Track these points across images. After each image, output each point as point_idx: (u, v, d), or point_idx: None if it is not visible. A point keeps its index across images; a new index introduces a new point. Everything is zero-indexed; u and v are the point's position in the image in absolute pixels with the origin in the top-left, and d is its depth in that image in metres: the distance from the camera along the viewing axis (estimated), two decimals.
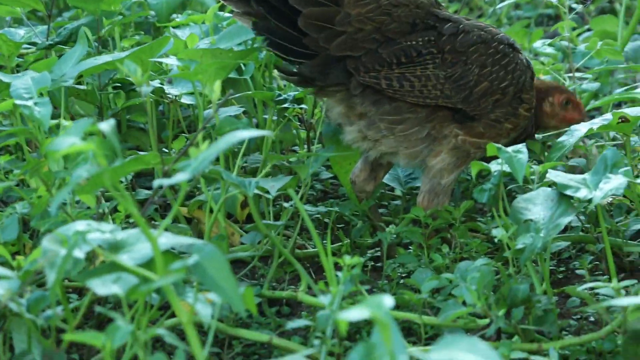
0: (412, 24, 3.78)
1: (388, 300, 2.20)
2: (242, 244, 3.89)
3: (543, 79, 4.26)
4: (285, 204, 3.90)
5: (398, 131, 3.79)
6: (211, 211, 3.59)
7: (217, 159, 3.83)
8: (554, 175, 3.34)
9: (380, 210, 4.21)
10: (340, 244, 3.97)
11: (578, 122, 3.89)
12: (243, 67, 4.24)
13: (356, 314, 2.19)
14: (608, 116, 3.67)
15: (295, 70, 3.77)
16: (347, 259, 2.97)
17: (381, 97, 3.77)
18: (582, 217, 3.85)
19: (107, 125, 2.59)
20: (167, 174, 3.22)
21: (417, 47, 3.76)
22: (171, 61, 3.81)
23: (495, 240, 3.22)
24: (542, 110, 4.01)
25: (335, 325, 3.01)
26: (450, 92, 3.76)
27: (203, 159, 2.59)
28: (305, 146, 4.40)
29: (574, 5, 5.11)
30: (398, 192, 4.41)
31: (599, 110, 4.93)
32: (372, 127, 3.80)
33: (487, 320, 3.13)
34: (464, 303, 3.15)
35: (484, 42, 3.81)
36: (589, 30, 5.09)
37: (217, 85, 3.09)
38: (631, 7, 5.91)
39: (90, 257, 3.25)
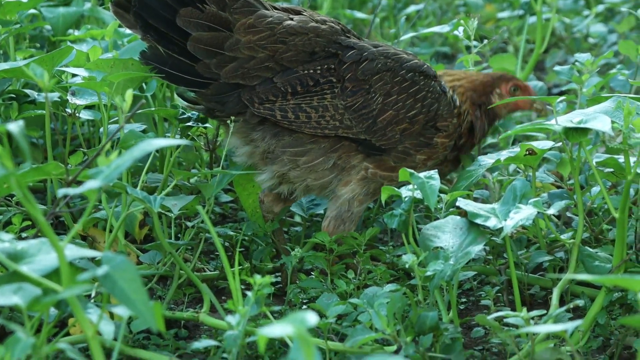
0: (311, 53, 3.68)
1: (311, 318, 2.13)
2: (139, 263, 3.75)
3: (487, 72, 4.22)
4: (189, 223, 3.78)
5: (302, 163, 3.70)
6: (110, 229, 3.45)
7: (118, 177, 3.69)
8: (464, 204, 3.33)
9: None
10: (240, 267, 3.87)
11: (531, 105, 3.94)
12: (144, 85, 4.11)
13: (279, 330, 2.11)
14: (516, 149, 3.69)
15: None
16: (258, 279, 2.88)
17: (281, 129, 3.68)
18: (486, 248, 3.85)
19: (15, 127, 2.45)
20: (70, 185, 3.08)
21: (314, 75, 3.66)
22: (78, 71, 3.65)
23: (406, 266, 3.18)
24: (492, 103, 3.99)
25: (240, 347, 2.92)
26: (351, 122, 3.67)
27: (116, 166, 2.48)
28: (207, 168, 4.29)
29: (475, 43, 5.19)
30: (298, 219, 4.35)
31: (493, 148, 4.99)
32: (277, 161, 3.71)
33: (394, 347, 3.08)
34: (371, 329, 3.09)
35: (390, 70, 3.73)
36: (488, 67, 5.15)
37: (129, 94, 2.97)
38: (526, 50, 6.05)
39: None
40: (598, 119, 3.12)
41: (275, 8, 3.75)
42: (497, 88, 4.02)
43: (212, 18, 3.61)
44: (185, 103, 3.75)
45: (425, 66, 3.82)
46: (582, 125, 3.11)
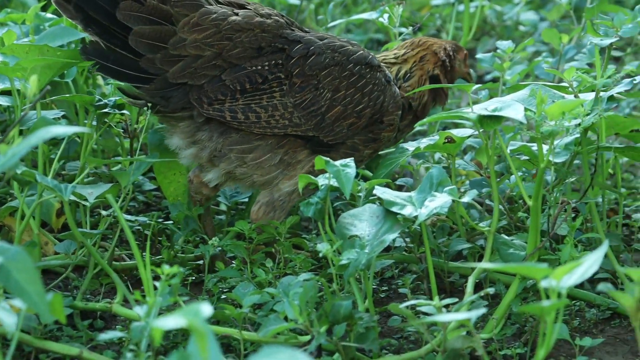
0: (258, 49, 3.62)
1: (206, 309, 2.09)
2: (56, 254, 3.68)
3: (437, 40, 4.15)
4: (104, 212, 3.72)
5: (250, 160, 3.64)
6: (23, 217, 3.39)
7: (35, 165, 3.63)
8: (381, 192, 3.30)
9: None
10: (160, 256, 3.83)
11: (468, 76, 3.99)
12: (65, 70, 4.03)
13: (172, 322, 2.07)
14: (435, 136, 3.68)
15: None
16: (166, 269, 2.83)
17: (228, 127, 3.61)
18: (406, 239, 3.84)
19: None
20: None
21: (262, 72, 3.60)
22: None
23: (320, 255, 3.15)
24: (455, 70, 3.96)
25: (151, 338, 2.87)
26: (300, 119, 3.62)
27: (13, 154, 2.42)
28: (129, 155, 4.22)
29: (403, 29, 5.17)
30: (223, 207, 4.30)
31: (423, 135, 4.98)
32: (224, 159, 3.65)
33: (308, 337, 3.06)
34: (285, 319, 3.06)
35: (338, 65, 3.67)
36: None
37: (34, 80, 2.90)
38: (456, 37, 6.04)
39: None
40: (512, 107, 3.11)
41: (219, 2, 3.67)
42: (458, 55, 3.98)
43: (153, 11, 3.54)
44: (127, 98, 3.66)
45: (370, 57, 3.76)
46: (495, 113, 3.11)
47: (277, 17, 3.68)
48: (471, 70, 4.08)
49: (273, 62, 3.61)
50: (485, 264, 2.81)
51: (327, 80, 3.65)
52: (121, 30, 3.53)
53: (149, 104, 3.58)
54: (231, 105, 3.57)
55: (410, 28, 4.53)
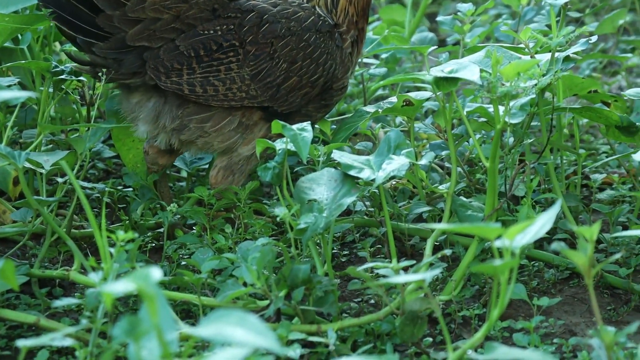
0: (212, 10, 3.58)
1: (155, 273, 2.07)
2: (14, 222, 3.64)
3: None
4: (60, 179, 3.68)
5: (209, 128, 3.61)
6: None
7: None
8: (339, 156, 3.29)
9: None
10: (120, 224, 3.80)
11: None
12: (20, 37, 3.98)
13: (121, 286, 2.05)
14: (393, 99, 3.67)
15: (88, 59, 3.55)
16: (121, 235, 2.81)
17: (185, 99, 3.58)
18: (367, 203, 3.84)
19: None
20: None
21: (216, 39, 3.56)
22: None
23: (278, 219, 3.14)
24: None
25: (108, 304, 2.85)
26: (256, 91, 3.60)
27: None
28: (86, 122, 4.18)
29: None
30: (184, 174, 4.28)
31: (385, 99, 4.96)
32: (185, 131, 3.61)
33: (267, 302, 3.05)
34: (244, 284, 3.05)
35: (294, 35, 3.63)
36: (378, 19, 5.12)
37: None
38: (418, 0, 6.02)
39: None
40: (467, 68, 3.10)
41: None
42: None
43: None
44: (75, 64, 3.61)
45: (321, 22, 3.69)
46: (451, 75, 3.09)
47: None
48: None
49: (225, 26, 3.57)
50: (440, 225, 2.81)
51: (285, 51, 3.62)
52: None
53: (101, 69, 3.53)
54: (189, 79, 3.54)
55: None
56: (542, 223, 2.37)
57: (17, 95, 2.41)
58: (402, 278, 2.65)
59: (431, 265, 3.10)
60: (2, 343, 3.11)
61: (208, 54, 3.56)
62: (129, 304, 3.30)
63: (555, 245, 2.39)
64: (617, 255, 2.45)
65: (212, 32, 3.57)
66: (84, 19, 3.50)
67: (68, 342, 2.50)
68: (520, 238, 2.35)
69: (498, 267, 2.30)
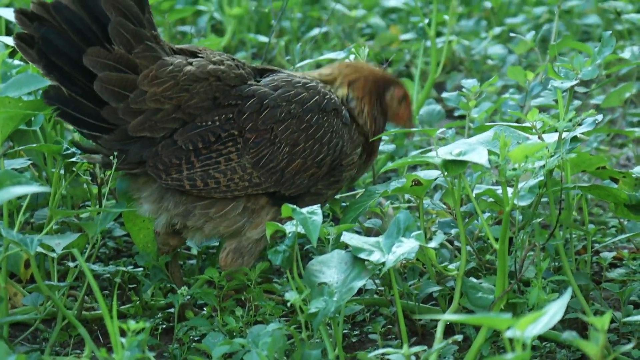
0: (213, 99, 3.59)
1: None
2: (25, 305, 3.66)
3: (381, 69, 4.07)
4: (71, 264, 3.69)
5: (214, 213, 3.62)
6: None
7: (0, 214, 3.61)
8: (348, 238, 3.31)
9: None
10: (130, 305, 3.81)
11: (405, 123, 3.84)
12: (32, 118, 4.02)
13: None
14: (403, 179, 3.69)
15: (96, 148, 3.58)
16: (132, 324, 2.81)
17: None
18: (377, 280, 3.84)
19: None
20: None
21: (214, 130, 3.56)
22: None
23: (288, 304, 3.15)
24: (386, 105, 3.84)
25: None
26: (259, 178, 3.60)
27: None
28: (97, 202, 4.20)
29: None
30: (194, 251, 4.29)
31: (395, 172, 4.99)
32: (190, 217, 3.63)
33: None
34: None
35: (295, 118, 3.62)
36: None
37: None
38: (426, 72, 6.08)
39: None
40: (476, 151, 3.13)
41: (174, 50, 3.65)
42: (392, 87, 3.85)
43: (120, 59, 3.51)
44: (83, 154, 3.64)
45: (325, 101, 3.68)
46: (460, 158, 3.12)
47: (229, 62, 3.66)
48: (414, 118, 3.97)
49: (224, 116, 3.58)
50: (450, 316, 2.81)
51: (285, 135, 3.61)
52: (84, 78, 3.51)
53: (108, 158, 3.55)
54: (189, 174, 3.55)
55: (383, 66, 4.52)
56: (553, 313, 2.37)
57: (30, 190, 2.43)
58: None
59: (442, 349, 3.10)
60: None
61: (207, 146, 3.56)
62: None
63: (566, 335, 2.39)
64: (629, 346, 2.44)
65: (210, 123, 3.57)
66: (88, 113, 3.52)
67: None
68: (532, 328, 2.35)
69: None
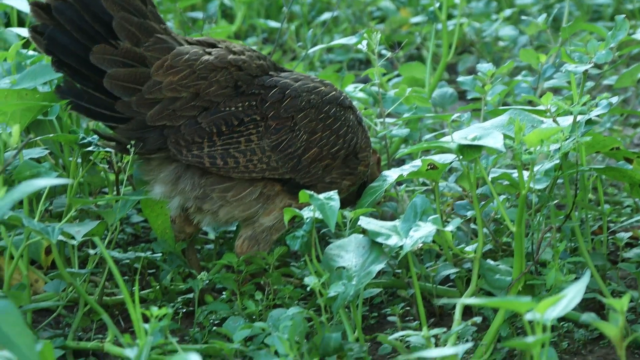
0: (235, 87, 3.64)
1: (194, 359, 2.11)
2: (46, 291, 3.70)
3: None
4: (91, 251, 3.74)
5: (231, 197, 3.66)
6: (12, 258, 3.40)
7: (20, 202, 3.65)
8: (365, 223, 3.34)
9: None
10: (150, 290, 3.85)
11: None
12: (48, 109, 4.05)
13: None
14: (418, 163, 3.71)
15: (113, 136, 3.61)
16: (155, 310, 2.85)
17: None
18: (393, 262, 3.87)
19: None
20: None
21: (238, 114, 3.62)
22: None
23: (308, 289, 3.18)
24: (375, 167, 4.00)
25: None
26: (277, 163, 3.65)
27: None
28: (115, 189, 4.24)
29: (384, 52, 5.20)
30: (211, 236, 4.33)
31: (410, 156, 5.01)
32: (207, 200, 3.67)
33: None
34: (276, 353, 3.09)
35: (314, 107, 3.70)
36: (398, 76, 5.18)
37: (16, 130, 2.92)
38: (437, 54, 6.09)
39: None
40: (491, 135, 3.15)
41: (188, 42, 3.69)
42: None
43: (127, 54, 3.54)
44: (101, 141, 3.68)
45: (342, 97, 3.79)
46: (475, 143, 3.14)
47: (250, 53, 3.70)
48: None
49: (247, 103, 3.63)
50: (470, 300, 2.84)
51: (304, 123, 3.68)
52: (94, 74, 3.53)
53: (125, 145, 3.58)
54: (210, 151, 3.59)
55: (390, 54, 4.55)
56: (572, 295, 2.40)
57: (51, 183, 2.46)
58: (434, 352, 2.67)
59: (460, 331, 3.13)
60: None
61: (229, 129, 3.61)
62: None
63: (585, 317, 2.42)
64: None
65: (233, 108, 3.62)
66: (102, 105, 3.55)
67: None
68: (551, 311, 2.39)
69: (531, 343, 2.33)
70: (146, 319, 2.92)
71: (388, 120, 4.76)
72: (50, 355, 2.51)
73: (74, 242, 3.51)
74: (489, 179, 3.31)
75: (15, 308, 2.35)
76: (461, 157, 3.23)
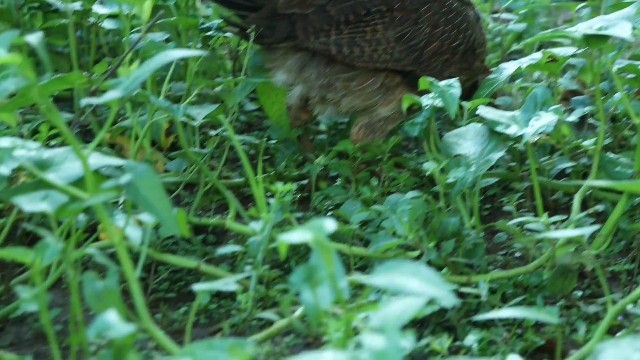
0: None
1: (329, 224, 2.17)
2: (166, 171, 3.81)
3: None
4: (212, 132, 3.82)
5: (354, 86, 3.71)
6: (136, 137, 3.50)
7: (143, 86, 3.73)
8: (485, 112, 3.34)
9: None
10: (265, 175, 3.93)
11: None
12: None
13: (297, 236, 2.15)
14: (537, 55, 3.68)
15: (239, 22, 3.66)
16: (279, 186, 2.93)
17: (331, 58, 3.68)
18: (506, 156, 3.87)
19: (35, 38, 2.47)
20: (94, 94, 3.12)
21: (365, 4, 3.65)
22: None
23: (426, 174, 3.22)
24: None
25: (265, 252, 2.99)
26: (400, 54, 3.67)
27: (135, 77, 2.51)
28: (231, 76, 4.31)
29: None
30: (323, 127, 4.38)
31: (519, 54, 4.95)
32: (331, 89, 3.72)
33: (416, 253, 3.13)
34: (394, 235, 3.14)
35: (437, 1, 3.71)
36: None
37: (148, 5, 2.98)
38: None
39: (11, 177, 3.14)
40: (618, 25, 3.10)
41: None
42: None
43: None
44: (229, 27, 3.74)
45: None
46: (601, 32, 3.10)
47: None
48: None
49: None
50: (593, 182, 2.84)
51: (427, 16, 3.70)
52: None
53: (251, 33, 3.64)
54: (337, 39, 3.63)
55: None
56: None
57: (185, 54, 2.53)
58: (558, 233, 2.69)
59: (579, 220, 3.13)
60: (165, 286, 3.28)
61: (357, 18, 3.64)
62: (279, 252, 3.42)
63: None
64: None
65: None
66: None
67: (235, 287, 2.62)
68: None
69: None
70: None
71: (504, 16, 4.72)
72: (183, 221, 2.61)
73: (195, 124, 3.59)
74: (614, 69, 3.26)
75: (154, 173, 2.44)
76: (586, 46, 3.18)
